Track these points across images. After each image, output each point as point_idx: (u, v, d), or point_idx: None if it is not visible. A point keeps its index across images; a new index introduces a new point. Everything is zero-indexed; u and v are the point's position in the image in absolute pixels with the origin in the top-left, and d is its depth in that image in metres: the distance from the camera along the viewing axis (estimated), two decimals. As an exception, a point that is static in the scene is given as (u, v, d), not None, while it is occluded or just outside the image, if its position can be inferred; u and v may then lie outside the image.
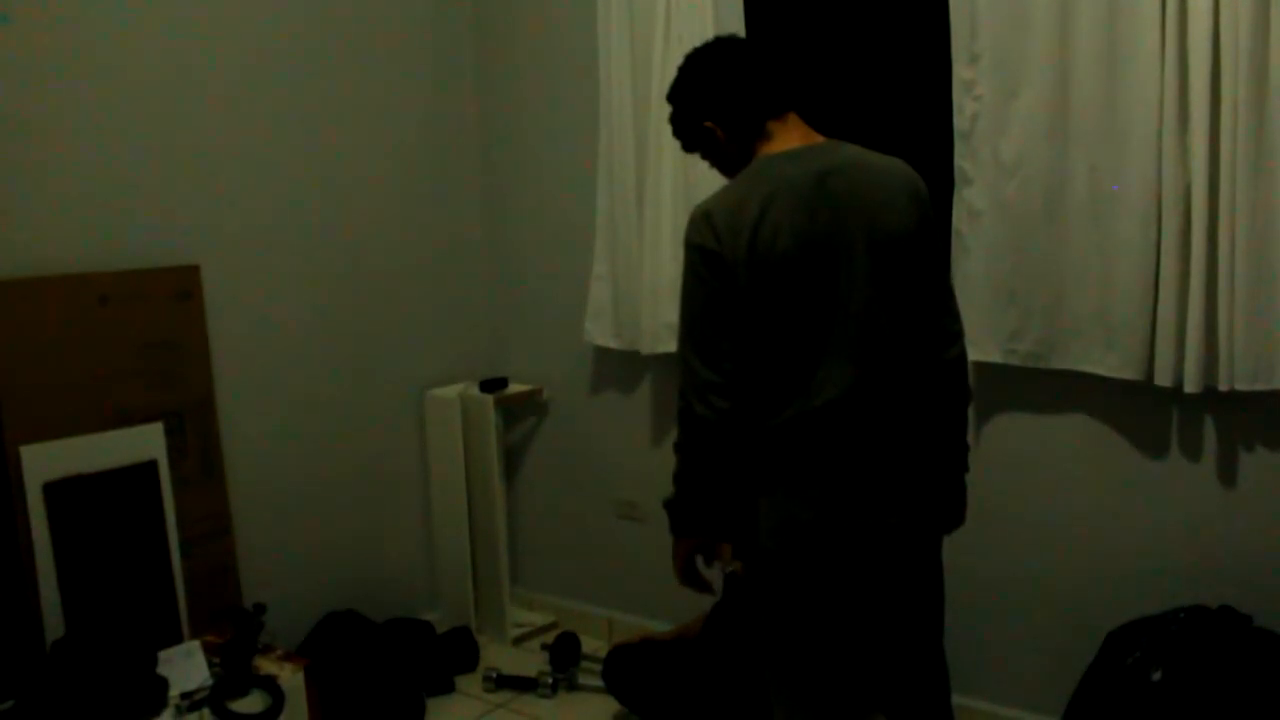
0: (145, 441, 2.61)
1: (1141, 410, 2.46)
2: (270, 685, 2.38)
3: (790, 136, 1.96)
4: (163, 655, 2.37)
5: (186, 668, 2.39)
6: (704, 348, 1.87)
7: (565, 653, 3.23)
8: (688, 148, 2.11)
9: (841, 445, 1.87)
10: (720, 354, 1.86)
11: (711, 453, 1.89)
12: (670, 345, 3.04)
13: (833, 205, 1.85)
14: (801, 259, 1.83)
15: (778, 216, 1.83)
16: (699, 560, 2.05)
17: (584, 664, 3.23)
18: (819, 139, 1.97)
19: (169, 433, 2.66)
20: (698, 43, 2.84)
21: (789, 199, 1.85)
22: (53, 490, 2.42)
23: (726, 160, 2.04)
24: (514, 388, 3.51)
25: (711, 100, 2.00)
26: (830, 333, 1.85)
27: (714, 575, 2.47)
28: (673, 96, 2.08)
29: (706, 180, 2.96)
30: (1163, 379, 2.33)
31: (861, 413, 1.87)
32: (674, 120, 2.09)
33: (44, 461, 2.41)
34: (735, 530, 1.98)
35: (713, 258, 1.85)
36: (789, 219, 1.83)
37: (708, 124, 2.00)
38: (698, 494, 1.94)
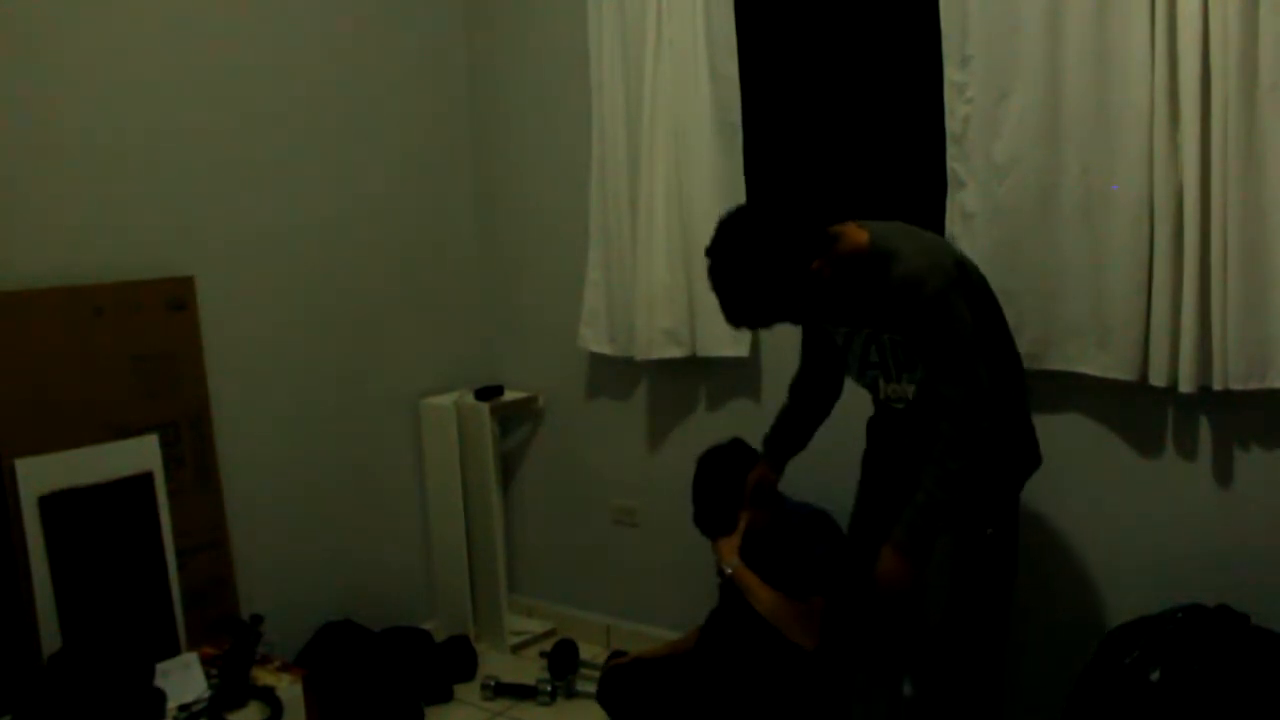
0: (140, 453, 2.60)
1: (1137, 410, 2.46)
2: (268, 696, 2.37)
3: (851, 226, 2.10)
4: (160, 667, 2.36)
5: (184, 680, 2.39)
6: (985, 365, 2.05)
7: (563, 660, 3.22)
8: (801, 316, 2.21)
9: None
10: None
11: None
12: (666, 350, 3.04)
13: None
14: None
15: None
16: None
17: (582, 671, 3.22)
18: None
19: (164, 444, 2.66)
20: (689, 47, 2.87)
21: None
22: (48, 503, 2.41)
23: (825, 290, 2.06)
24: (509, 395, 3.51)
25: (799, 239, 2.01)
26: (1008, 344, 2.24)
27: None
28: (756, 282, 2.02)
29: (700, 185, 2.97)
30: (1157, 379, 2.33)
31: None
32: (775, 298, 2.05)
33: (39, 474, 2.41)
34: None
35: (968, 291, 2.07)
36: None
37: (815, 265, 2.02)
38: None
